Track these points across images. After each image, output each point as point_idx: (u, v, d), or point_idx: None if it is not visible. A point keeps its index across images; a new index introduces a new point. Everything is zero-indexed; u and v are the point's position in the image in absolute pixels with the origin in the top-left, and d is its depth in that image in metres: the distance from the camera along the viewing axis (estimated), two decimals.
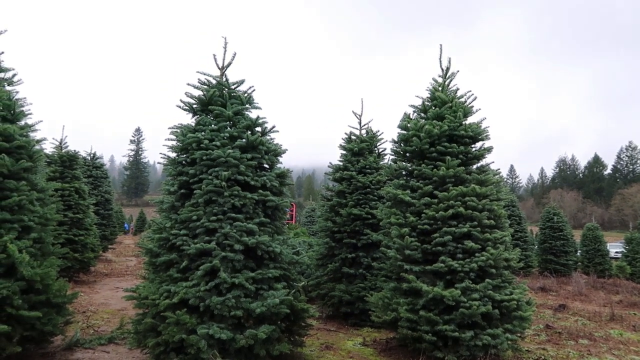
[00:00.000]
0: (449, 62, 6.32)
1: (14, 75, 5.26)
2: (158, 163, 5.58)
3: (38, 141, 5.29)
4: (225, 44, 5.48)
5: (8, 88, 5.17)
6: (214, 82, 5.40)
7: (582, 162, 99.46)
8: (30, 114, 5.31)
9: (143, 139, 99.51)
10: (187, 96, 5.37)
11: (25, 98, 5.30)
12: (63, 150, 12.15)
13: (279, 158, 5.45)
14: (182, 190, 5.05)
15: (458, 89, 6.26)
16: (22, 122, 5.21)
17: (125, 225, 42.17)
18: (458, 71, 6.31)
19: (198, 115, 5.42)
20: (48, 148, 12.74)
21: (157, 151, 5.50)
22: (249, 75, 5.52)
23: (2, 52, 5.13)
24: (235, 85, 5.46)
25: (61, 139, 12.52)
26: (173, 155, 5.28)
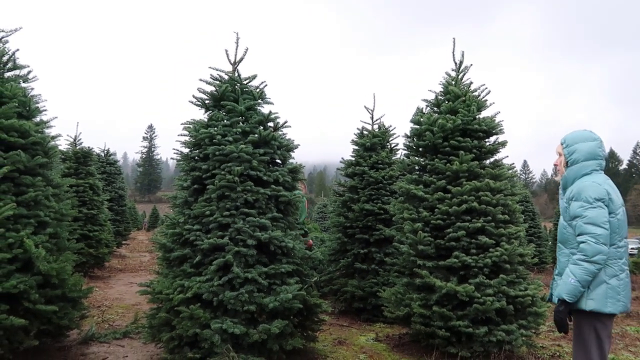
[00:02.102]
0: (462, 55, 6.25)
1: (29, 72, 5.29)
2: (171, 159, 5.62)
3: (53, 137, 5.32)
4: (237, 39, 5.47)
5: (23, 85, 5.21)
6: (226, 77, 5.40)
7: None
8: (46, 110, 5.35)
9: (156, 136, 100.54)
10: (200, 92, 5.38)
11: (40, 95, 5.34)
12: (77, 147, 12.27)
13: (291, 153, 5.45)
14: (195, 186, 5.07)
15: (472, 82, 6.19)
16: (38, 119, 5.25)
17: None
18: (471, 65, 6.23)
19: (210, 111, 5.42)
20: (63, 145, 12.86)
21: (170, 148, 5.54)
22: (259, 72, 5.51)
23: (18, 50, 5.18)
24: (247, 81, 5.46)
25: (75, 136, 12.64)
26: (186, 150, 5.30)
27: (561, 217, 3.08)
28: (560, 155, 3.18)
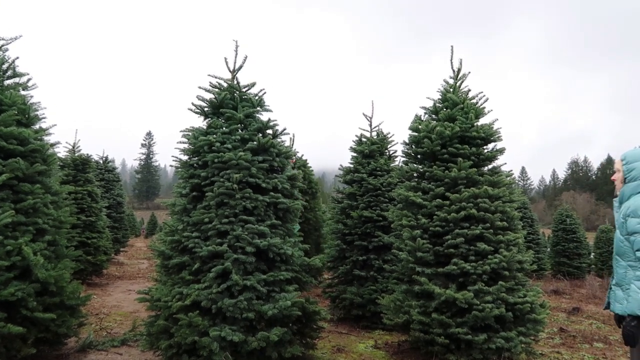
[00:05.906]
0: (460, 63, 6.28)
1: (28, 80, 5.32)
2: (170, 166, 5.62)
3: (52, 145, 5.34)
4: (237, 47, 5.51)
5: (23, 92, 5.24)
6: (225, 85, 5.42)
7: (596, 163, 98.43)
8: (45, 118, 5.37)
9: (154, 143, 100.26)
10: (199, 99, 5.40)
11: (39, 102, 5.36)
12: (76, 154, 12.27)
13: (289, 160, 5.46)
14: (194, 193, 5.08)
15: (469, 90, 6.22)
16: (37, 126, 5.27)
17: None
18: (469, 72, 6.26)
19: (209, 118, 5.44)
20: (61, 152, 12.86)
21: (168, 155, 5.56)
22: (264, 80, 5.54)
23: (17, 58, 5.20)
24: (246, 88, 5.48)
25: (74, 143, 12.65)
26: (185, 158, 5.31)
27: (617, 231, 3.21)
28: (618, 171, 3.33)
